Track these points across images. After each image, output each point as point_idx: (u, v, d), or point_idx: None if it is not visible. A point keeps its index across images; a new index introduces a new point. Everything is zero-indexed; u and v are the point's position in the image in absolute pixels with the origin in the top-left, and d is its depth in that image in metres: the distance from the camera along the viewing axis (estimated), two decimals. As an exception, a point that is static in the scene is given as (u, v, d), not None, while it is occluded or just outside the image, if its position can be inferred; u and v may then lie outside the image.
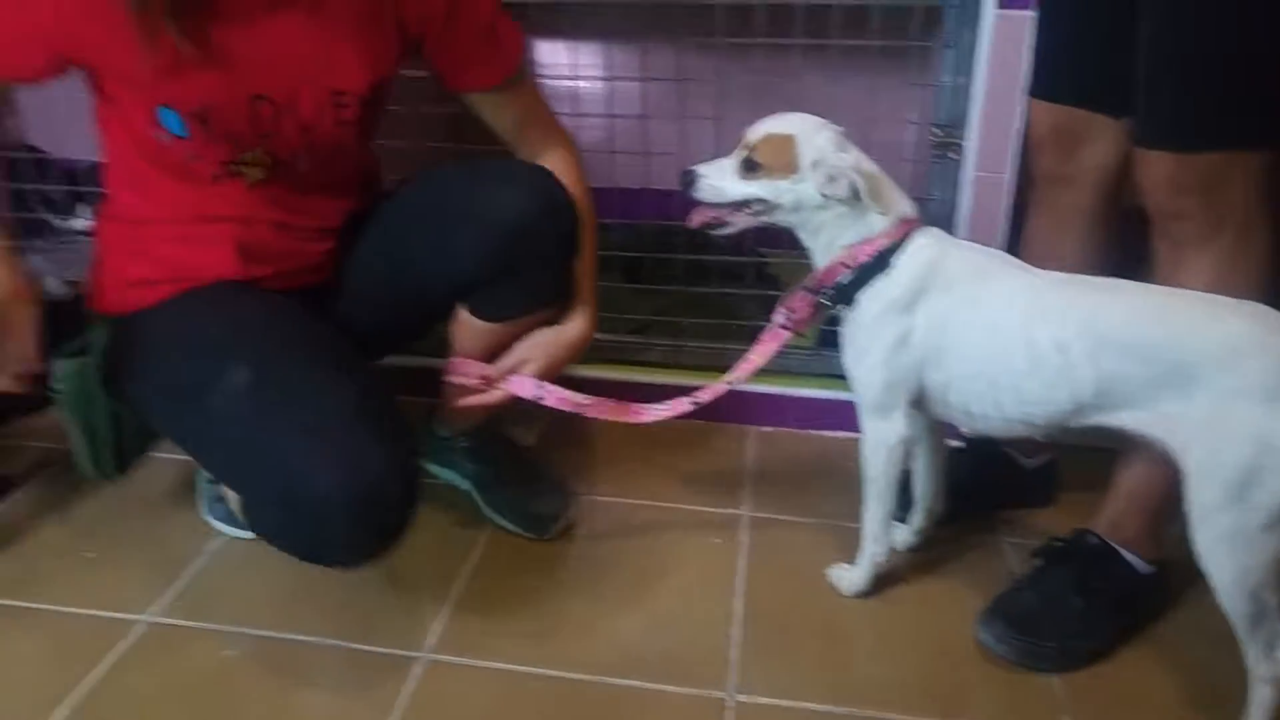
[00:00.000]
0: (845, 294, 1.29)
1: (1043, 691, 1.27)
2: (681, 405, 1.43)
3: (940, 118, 1.68)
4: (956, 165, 1.69)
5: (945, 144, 1.69)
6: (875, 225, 1.26)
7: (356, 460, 1.11)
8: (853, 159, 1.25)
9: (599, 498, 1.66)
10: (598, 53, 1.82)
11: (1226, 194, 1.18)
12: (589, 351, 1.89)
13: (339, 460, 1.11)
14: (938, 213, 1.73)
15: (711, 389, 1.42)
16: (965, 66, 1.63)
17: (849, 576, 1.43)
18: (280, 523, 1.19)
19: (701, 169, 1.31)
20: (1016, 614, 1.32)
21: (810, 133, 1.26)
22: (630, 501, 1.66)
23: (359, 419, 1.15)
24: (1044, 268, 1.43)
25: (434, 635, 1.35)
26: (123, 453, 1.37)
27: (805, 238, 1.31)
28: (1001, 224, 1.69)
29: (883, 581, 1.44)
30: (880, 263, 1.26)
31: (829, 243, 1.28)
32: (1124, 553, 1.35)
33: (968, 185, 1.68)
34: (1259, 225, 1.20)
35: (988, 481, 1.62)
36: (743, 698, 1.25)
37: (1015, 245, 1.61)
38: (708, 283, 1.84)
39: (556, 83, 1.88)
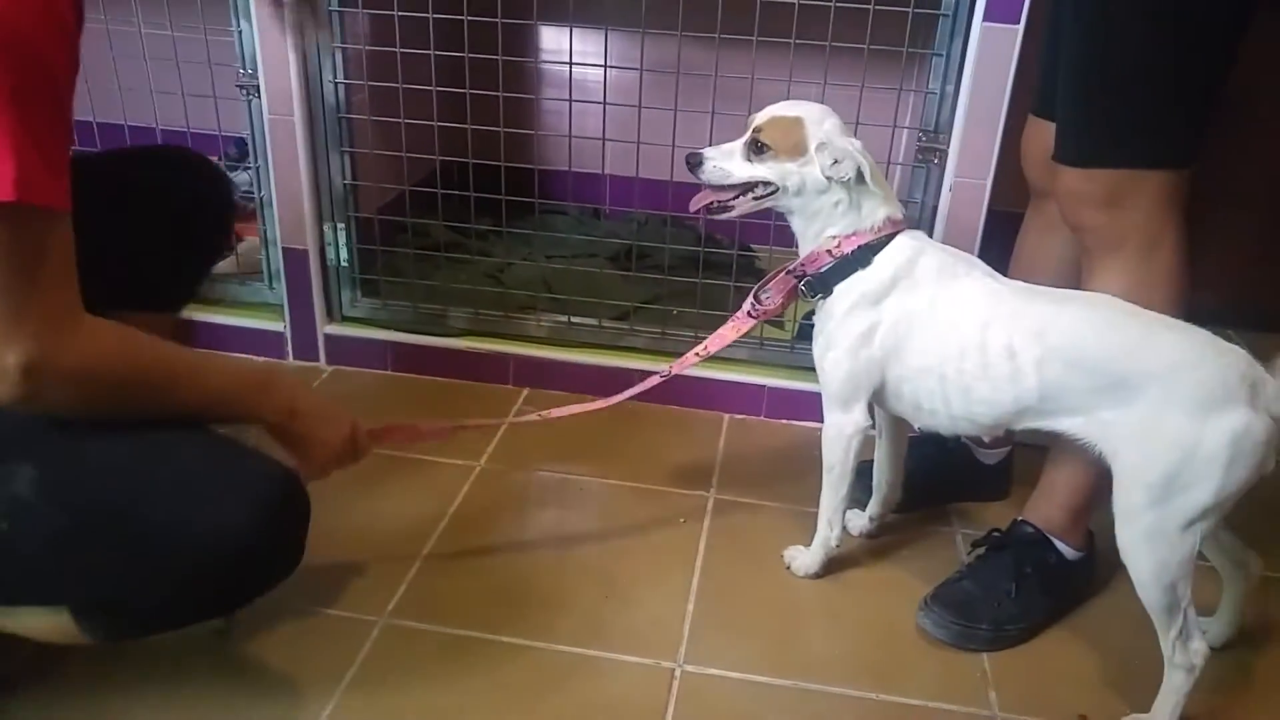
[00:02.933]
0: (824, 282, 1.34)
1: (974, 669, 1.34)
2: (652, 380, 1.49)
3: (927, 123, 1.73)
4: (939, 170, 1.74)
5: (930, 149, 1.73)
6: (866, 219, 1.31)
7: (253, 482, 1.02)
8: (858, 146, 1.29)
9: (574, 476, 1.72)
10: (598, 40, 1.85)
11: (1128, 211, 1.24)
12: (575, 337, 1.97)
13: (237, 489, 1.01)
14: (918, 215, 1.78)
15: (680, 363, 1.48)
16: (954, 75, 1.68)
17: (802, 558, 1.49)
18: (183, 581, 1.02)
19: (708, 151, 1.34)
20: (955, 600, 1.39)
21: (817, 117, 1.31)
22: (605, 481, 1.71)
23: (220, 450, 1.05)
24: (1031, 271, 1.50)
25: (394, 597, 1.41)
26: None
27: (798, 223, 1.35)
28: (979, 228, 1.73)
29: (836, 565, 1.50)
30: (862, 257, 1.31)
31: (820, 230, 1.33)
32: (1055, 541, 1.42)
33: (948, 190, 1.72)
34: (1166, 243, 1.25)
35: (946, 475, 1.68)
36: (691, 668, 1.31)
37: (991, 249, 1.67)
38: (694, 273, 1.88)
39: (557, 68, 1.92)
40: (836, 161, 1.27)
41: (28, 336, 0.85)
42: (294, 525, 1.07)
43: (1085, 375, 1.17)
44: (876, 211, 1.30)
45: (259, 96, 1.81)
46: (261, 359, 2.02)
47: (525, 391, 1.98)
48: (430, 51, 1.78)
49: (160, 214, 1.30)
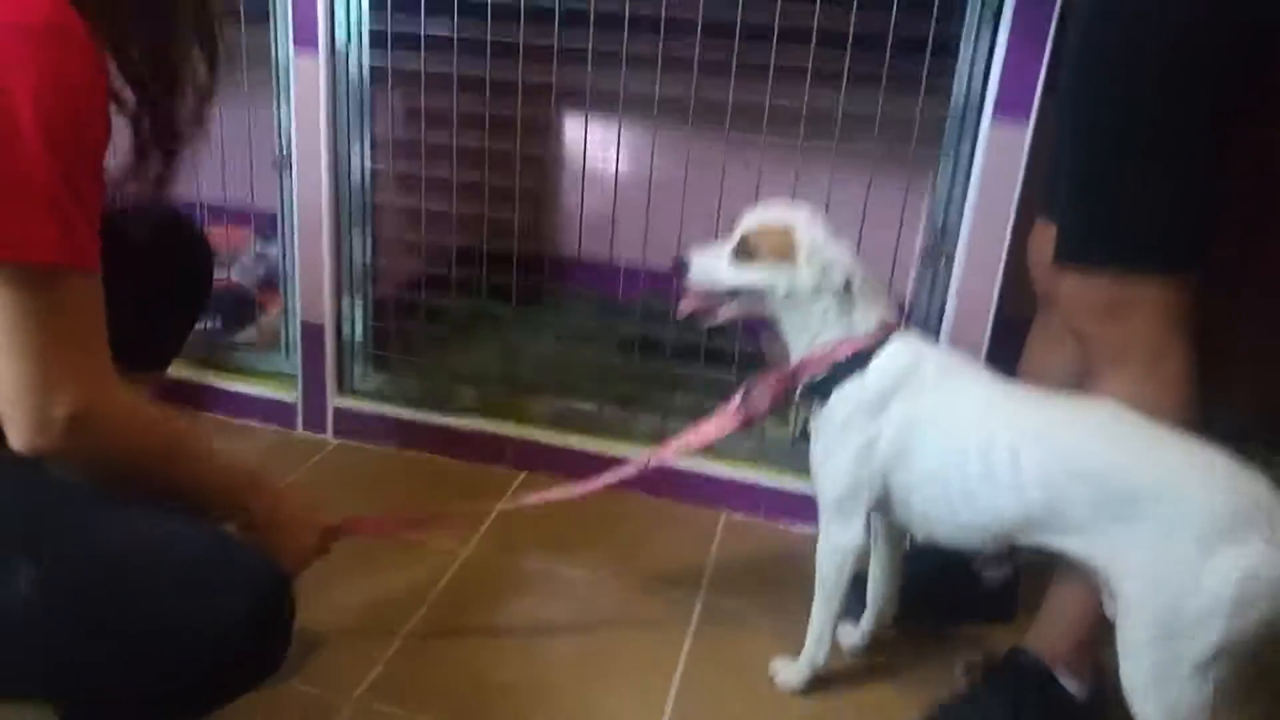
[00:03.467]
0: (819, 390, 1.29)
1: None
2: (630, 469, 1.44)
3: (934, 225, 1.72)
4: (946, 273, 1.71)
5: (936, 251, 1.72)
6: (859, 325, 1.27)
7: (252, 578, 1.00)
8: (847, 252, 1.28)
9: (560, 567, 1.67)
10: (612, 132, 1.91)
11: (1129, 320, 1.18)
12: (576, 421, 1.96)
13: (237, 584, 0.98)
14: (924, 319, 1.75)
15: (658, 456, 1.43)
16: (961, 176, 1.67)
17: (786, 672, 1.40)
18: (177, 677, 0.98)
19: (695, 256, 1.32)
20: None
21: (806, 223, 1.29)
22: (591, 574, 1.66)
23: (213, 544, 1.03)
24: (1035, 378, 1.44)
25: (366, 678, 1.37)
26: None
27: (788, 330, 1.32)
28: (985, 334, 1.69)
29: (825, 682, 1.41)
30: (857, 362, 1.26)
31: (812, 337, 1.29)
32: (1060, 676, 1.30)
33: (954, 294, 1.69)
34: (1171, 356, 1.19)
35: (947, 593, 1.58)
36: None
37: (998, 357, 1.62)
38: (696, 363, 1.87)
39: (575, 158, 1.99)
40: (826, 270, 1.25)
41: (75, 391, 0.89)
42: (287, 623, 1.04)
43: (1089, 488, 1.08)
44: (869, 316, 1.27)
45: (291, 174, 1.90)
46: (272, 427, 2.06)
47: (522, 475, 1.95)
48: (452, 142, 1.86)
49: (144, 272, 1.32)
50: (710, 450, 1.89)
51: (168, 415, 1.02)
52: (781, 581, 1.65)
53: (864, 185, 1.70)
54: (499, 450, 1.97)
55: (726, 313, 1.33)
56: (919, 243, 1.75)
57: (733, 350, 1.87)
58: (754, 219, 1.31)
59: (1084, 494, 1.09)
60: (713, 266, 1.30)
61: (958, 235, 1.68)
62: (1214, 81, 1.11)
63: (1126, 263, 1.18)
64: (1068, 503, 1.10)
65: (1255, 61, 1.11)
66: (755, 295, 1.30)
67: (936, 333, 1.73)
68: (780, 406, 1.38)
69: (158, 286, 1.36)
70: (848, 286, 1.24)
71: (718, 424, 1.39)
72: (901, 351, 1.26)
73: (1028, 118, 1.58)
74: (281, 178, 1.92)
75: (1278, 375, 2.30)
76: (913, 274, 1.77)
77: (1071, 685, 1.30)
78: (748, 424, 1.37)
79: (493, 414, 2.00)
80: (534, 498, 1.48)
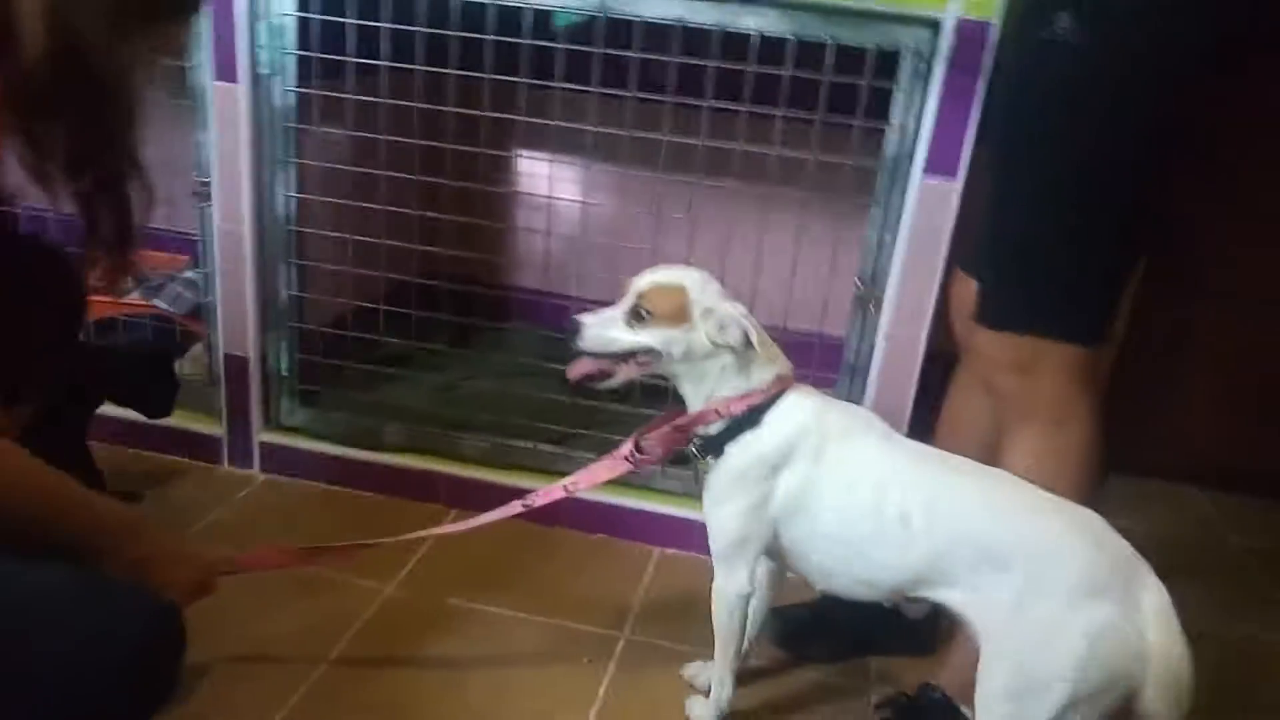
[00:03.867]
0: (714, 444, 1.30)
1: None
2: (513, 508, 1.43)
3: (864, 272, 1.73)
4: (876, 317, 1.73)
5: (866, 297, 1.73)
6: (754, 380, 1.28)
7: (135, 614, 0.99)
8: (741, 310, 1.27)
9: (482, 606, 1.66)
10: (547, 168, 1.89)
11: (1037, 380, 1.24)
12: (509, 459, 1.95)
13: (119, 621, 0.97)
14: (853, 363, 1.77)
15: (545, 494, 1.42)
16: (892, 225, 1.69)
17: (698, 710, 1.42)
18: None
19: (587, 318, 1.30)
20: None
21: (699, 283, 1.29)
22: (514, 614, 1.66)
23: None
24: (954, 430, 1.48)
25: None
26: None
27: (686, 388, 1.32)
28: (914, 380, 1.71)
29: (748, 710, 1.43)
30: (752, 418, 1.27)
31: (708, 393, 1.29)
32: (964, 709, 1.34)
33: (883, 338, 1.71)
34: (1076, 419, 1.25)
35: (866, 626, 1.61)
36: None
37: (927, 399, 1.65)
38: (631, 401, 1.86)
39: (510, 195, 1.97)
40: (722, 327, 1.25)
41: None
42: (173, 657, 1.03)
43: (969, 549, 1.14)
44: (765, 371, 1.28)
45: (211, 204, 1.85)
46: (199, 462, 2.00)
47: (454, 512, 1.93)
48: (380, 172, 1.82)
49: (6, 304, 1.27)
50: (644, 487, 1.90)
51: (33, 465, 1.00)
52: (708, 616, 1.65)
53: (797, 230, 1.71)
54: (431, 487, 1.95)
55: (623, 374, 1.32)
56: (839, 288, 1.77)
57: (669, 387, 1.87)
58: (647, 280, 1.30)
59: (965, 554, 1.14)
60: (606, 329, 1.29)
61: (886, 281, 1.70)
62: (1135, 170, 1.15)
63: (1039, 330, 1.23)
64: (950, 561, 1.16)
65: (1174, 151, 1.15)
66: (650, 355, 1.29)
67: (865, 376, 1.76)
68: (671, 454, 1.37)
69: (22, 319, 1.29)
70: (745, 343, 1.25)
71: (608, 467, 1.39)
72: (797, 409, 1.27)
73: (956, 172, 1.60)
74: (202, 207, 1.86)
75: (1227, 424, 2.41)
76: (837, 318, 1.78)
77: None
78: (638, 468, 1.38)
79: (425, 450, 1.97)
80: (421, 533, 1.47)
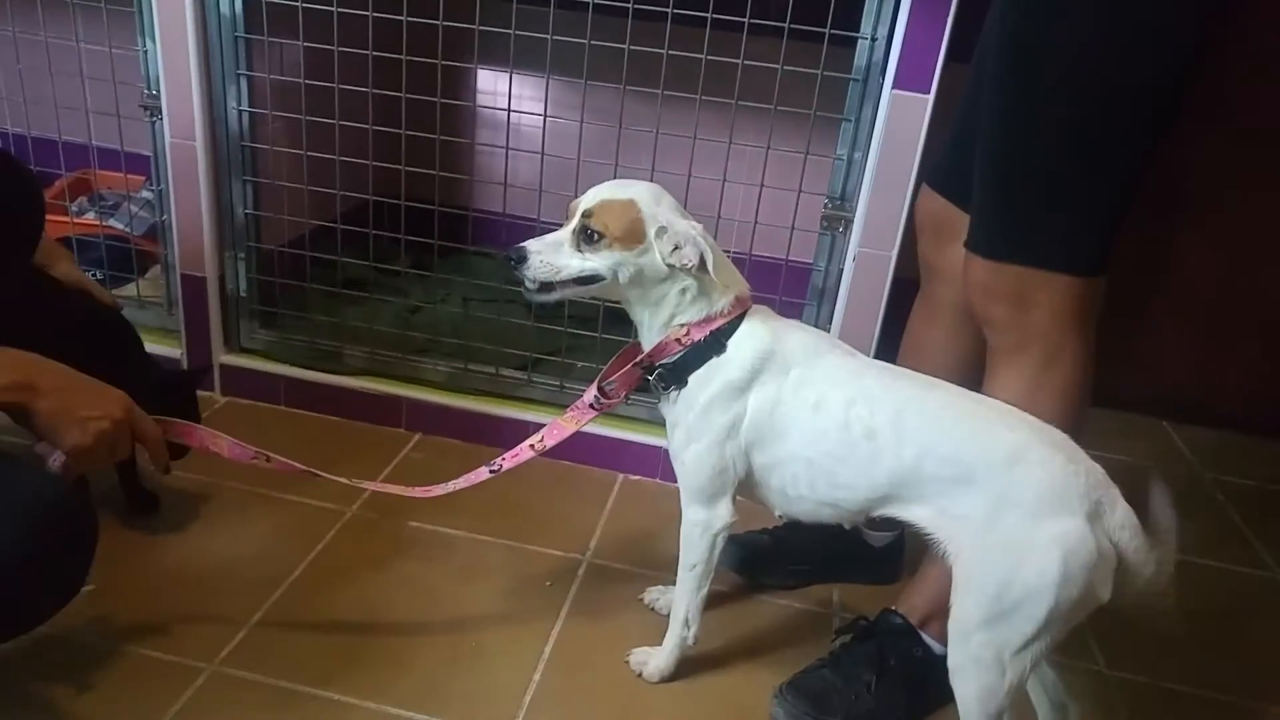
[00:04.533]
0: (677, 374, 1.23)
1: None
2: (480, 474, 1.36)
3: (834, 190, 1.69)
4: (844, 240, 1.69)
5: (835, 216, 1.69)
6: (716, 304, 1.21)
7: (24, 500, 0.97)
8: (699, 228, 1.20)
9: (445, 529, 1.65)
10: (506, 81, 1.82)
11: (1032, 312, 1.18)
12: (472, 384, 1.92)
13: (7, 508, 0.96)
14: (822, 284, 1.74)
15: (513, 456, 1.35)
16: (863, 141, 1.64)
17: (655, 662, 1.37)
18: None
19: (532, 244, 1.20)
20: (812, 690, 1.31)
21: (652, 197, 1.20)
22: (476, 537, 1.64)
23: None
24: (914, 353, 1.44)
25: (229, 643, 1.34)
26: None
27: (639, 313, 1.24)
28: (882, 300, 1.68)
29: (703, 641, 1.40)
30: (715, 343, 1.21)
31: (667, 319, 1.22)
32: (924, 634, 1.34)
33: (852, 259, 1.68)
34: (1066, 354, 1.20)
35: (831, 554, 1.61)
36: (522, 742, 1.23)
37: (896, 319, 1.62)
38: (594, 326, 1.83)
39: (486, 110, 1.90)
40: (678, 248, 1.17)
41: None
42: (72, 550, 0.99)
43: (936, 463, 1.11)
44: (726, 293, 1.21)
45: (161, 118, 1.78)
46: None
47: (417, 437, 1.91)
48: (334, 85, 1.75)
49: None
50: (608, 414, 1.87)
51: None
52: (670, 540, 1.62)
53: (761, 149, 1.66)
54: (394, 411, 1.92)
55: (563, 291, 1.22)
56: (808, 206, 1.72)
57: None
58: (594, 196, 1.20)
59: (932, 469, 1.11)
60: (554, 256, 1.19)
61: (856, 201, 1.66)
62: (1151, 93, 1.09)
63: (1036, 262, 1.17)
64: (917, 476, 1.12)
65: (1190, 77, 1.09)
66: (597, 279, 1.20)
67: (834, 297, 1.72)
68: (632, 391, 1.30)
69: None
70: (702, 264, 1.17)
71: (574, 418, 1.33)
72: (759, 331, 1.22)
73: (929, 86, 1.55)
74: (154, 123, 1.80)
75: (1190, 357, 2.38)
76: (804, 238, 1.74)
77: (935, 645, 1.34)
78: (603, 412, 1.32)
79: (387, 375, 1.94)
80: (385, 487, 1.40)
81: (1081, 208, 1.15)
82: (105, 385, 1.09)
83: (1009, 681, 1.04)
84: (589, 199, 1.20)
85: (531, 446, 1.33)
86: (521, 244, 1.20)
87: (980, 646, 1.05)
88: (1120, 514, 1.05)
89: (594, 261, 1.19)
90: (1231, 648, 1.64)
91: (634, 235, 1.18)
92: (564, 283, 1.21)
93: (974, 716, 1.07)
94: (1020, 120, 1.16)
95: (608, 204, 1.19)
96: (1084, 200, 1.14)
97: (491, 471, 1.34)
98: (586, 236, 1.19)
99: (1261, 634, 1.68)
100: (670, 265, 1.18)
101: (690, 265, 1.17)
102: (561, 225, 1.24)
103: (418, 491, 1.35)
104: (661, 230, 1.18)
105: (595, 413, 1.31)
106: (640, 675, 1.37)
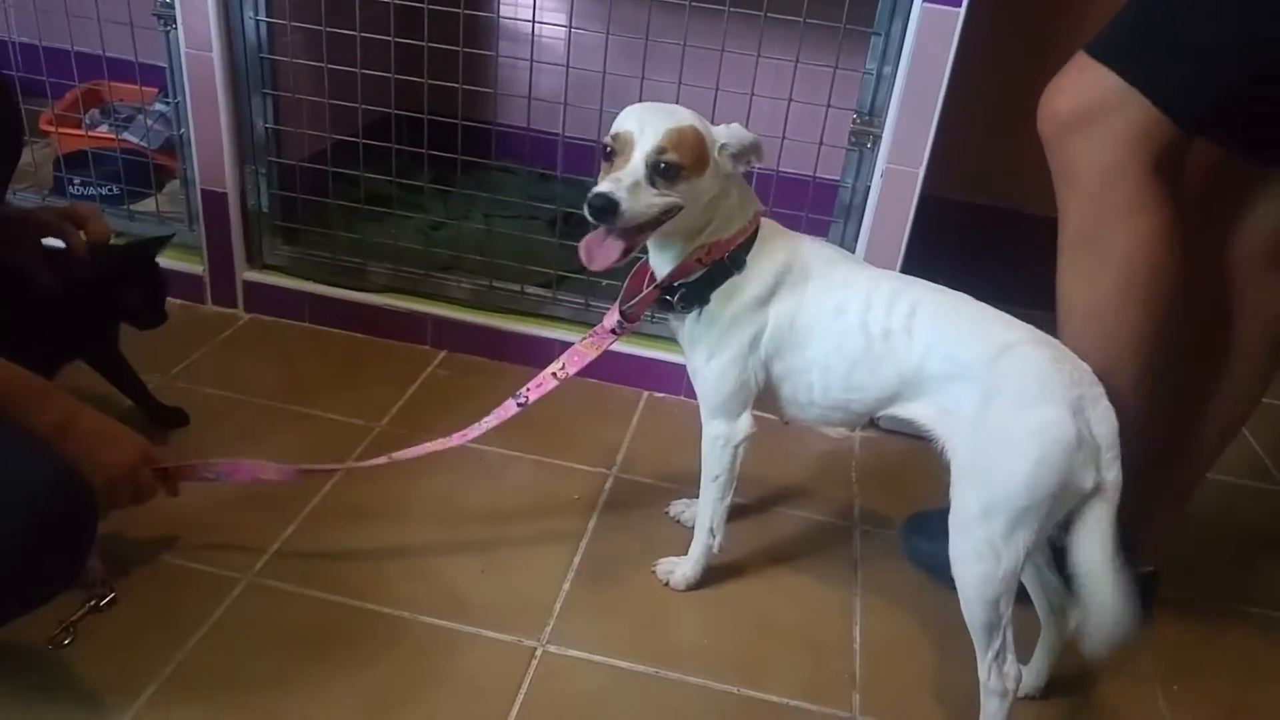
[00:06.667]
0: (699, 293, 1.23)
1: (844, 670, 1.32)
2: (509, 409, 1.37)
3: (863, 105, 1.66)
4: (872, 154, 1.68)
5: (864, 131, 1.67)
6: (738, 220, 1.22)
7: (24, 482, 0.97)
8: (741, 129, 1.19)
9: (474, 445, 1.66)
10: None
11: (1091, 137, 1.13)
12: (497, 302, 1.92)
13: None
14: (849, 200, 1.73)
15: (537, 385, 1.35)
16: (893, 56, 1.61)
17: (681, 570, 1.41)
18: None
19: (616, 192, 1.10)
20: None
21: (698, 117, 1.18)
22: (505, 452, 1.67)
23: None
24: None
25: (265, 555, 1.37)
26: None
27: (674, 240, 1.21)
28: (909, 215, 1.67)
29: (727, 553, 1.43)
30: (736, 259, 1.22)
31: (704, 239, 1.21)
32: None
33: (879, 175, 1.66)
34: (1119, 188, 1.14)
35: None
36: (553, 648, 1.28)
37: (920, 235, 1.61)
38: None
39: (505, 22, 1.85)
40: (738, 155, 1.18)
41: None
42: (71, 534, 1.00)
43: (939, 360, 1.16)
44: (745, 210, 1.23)
45: (176, 28, 1.75)
46: (180, 301, 1.97)
47: (442, 354, 1.93)
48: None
49: None
50: (634, 333, 1.88)
51: None
52: (694, 456, 1.66)
53: (790, 62, 1.64)
54: (418, 328, 1.93)
55: (642, 241, 1.17)
56: (836, 121, 1.70)
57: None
58: (660, 130, 1.12)
59: (935, 366, 1.16)
60: (636, 199, 1.11)
61: (884, 116, 1.64)
62: None
63: (1128, 70, 1.11)
64: (921, 375, 1.17)
65: None
66: (673, 213, 1.15)
67: (861, 214, 1.72)
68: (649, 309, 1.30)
69: None
70: (760, 154, 1.21)
71: (595, 344, 1.33)
72: (776, 243, 1.24)
73: (960, 1, 1.52)
74: (168, 33, 1.76)
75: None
76: (831, 154, 1.72)
77: None
78: (624, 335, 1.32)
79: (410, 292, 1.95)
80: (410, 451, 1.39)
81: (1196, 53, 1.10)
82: (126, 433, 1.16)
83: (1004, 568, 1.08)
84: (655, 133, 1.13)
85: (554, 375, 1.34)
86: (600, 190, 1.11)
87: (980, 539, 1.09)
88: (1101, 410, 1.08)
89: (673, 196, 1.15)
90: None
91: (704, 159, 1.16)
92: (648, 224, 1.15)
93: (973, 603, 1.11)
94: None
95: (675, 134, 1.14)
96: (1202, 49, 1.09)
97: (519, 405, 1.35)
98: (662, 171, 1.13)
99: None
100: (729, 174, 1.19)
101: (759, 162, 1.21)
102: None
103: (454, 440, 1.37)
104: (723, 148, 1.18)
105: (615, 337, 1.32)
106: (667, 584, 1.41)
